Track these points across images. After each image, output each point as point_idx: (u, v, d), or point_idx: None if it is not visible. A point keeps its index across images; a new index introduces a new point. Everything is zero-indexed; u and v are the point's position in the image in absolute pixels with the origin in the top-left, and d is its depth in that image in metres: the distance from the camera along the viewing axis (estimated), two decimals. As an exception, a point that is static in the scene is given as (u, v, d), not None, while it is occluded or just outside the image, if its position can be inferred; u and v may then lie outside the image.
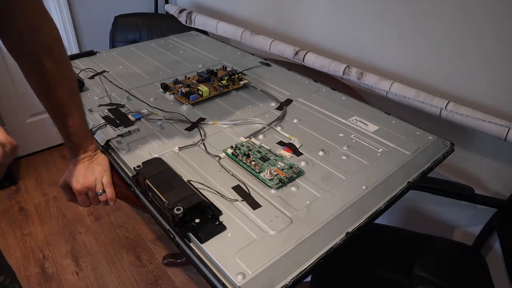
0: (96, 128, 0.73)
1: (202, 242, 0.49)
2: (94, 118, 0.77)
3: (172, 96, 0.87)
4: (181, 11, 1.49)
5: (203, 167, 0.64)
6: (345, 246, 0.53)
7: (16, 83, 1.63)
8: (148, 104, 0.84)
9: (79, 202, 0.66)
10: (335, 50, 1.16)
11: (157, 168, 0.60)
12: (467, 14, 0.83)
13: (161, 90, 0.90)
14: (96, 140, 0.71)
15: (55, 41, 0.57)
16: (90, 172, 0.64)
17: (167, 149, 0.69)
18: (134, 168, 0.61)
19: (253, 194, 0.59)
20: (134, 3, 1.81)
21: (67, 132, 0.62)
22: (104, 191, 0.64)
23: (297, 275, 0.48)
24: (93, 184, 0.63)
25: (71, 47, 1.73)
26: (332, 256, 0.51)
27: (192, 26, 1.44)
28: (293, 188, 0.60)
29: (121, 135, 0.72)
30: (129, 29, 1.50)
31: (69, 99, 0.60)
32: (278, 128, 0.76)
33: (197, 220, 0.51)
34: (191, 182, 0.59)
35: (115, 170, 0.68)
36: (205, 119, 0.79)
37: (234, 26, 1.29)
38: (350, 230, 0.55)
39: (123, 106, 0.82)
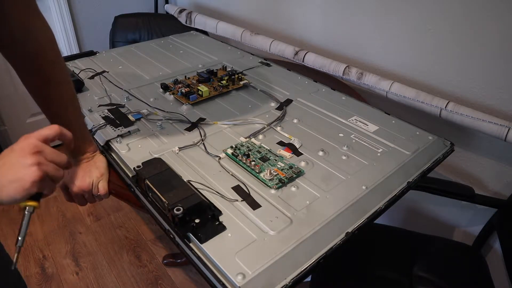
0: (96, 128, 0.73)
1: (202, 242, 0.49)
2: (94, 118, 0.76)
3: (172, 96, 0.87)
4: (181, 11, 1.49)
5: (203, 167, 0.64)
6: (345, 246, 0.53)
7: (16, 83, 1.63)
8: (148, 104, 0.83)
9: (77, 202, 0.66)
10: (335, 50, 1.16)
11: (157, 168, 0.60)
12: (467, 14, 0.83)
13: (161, 90, 0.90)
14: (96, 140, 0.72)
15: (49, 43, 0.56)
16: (87, 175, 0.64)
17: (167, 149, 0.69)
18: (134, 168, 0.61)
19: (253, 194, 0.59)
20: (134, 3, 1.81)
21: None
22: (99, 196, 0.65)
23: (297, 275, 0.48)
24: (89, 188, 0.63)
25: (71, 47, 1.73)
26: (332, 256, 0.51)
27: (192, 26, 1.44)
28: (293, 188, 0.60)
29: (121, 135, 0.71)
30: (129, 29, 1.50)
31: (65, 102, 0.60)
32: (278, 128, 0.76)
33: (197, 220, 0.51)
34: (191, 182, 0.58)
35: (115, 170, 0.68)
36: (205, 119, 0.79)
37: (234, 26, 1.29)
38: (350, 230, 0.55)
39: (123, 106, 0.82)
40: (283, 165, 0.64)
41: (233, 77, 0.93)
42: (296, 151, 0.69)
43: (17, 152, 0.44)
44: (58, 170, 0.47)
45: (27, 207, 0.46)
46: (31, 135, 0.46)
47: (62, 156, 0.49)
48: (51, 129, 0.48)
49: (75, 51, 1.75)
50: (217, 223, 0.52)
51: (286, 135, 0.74)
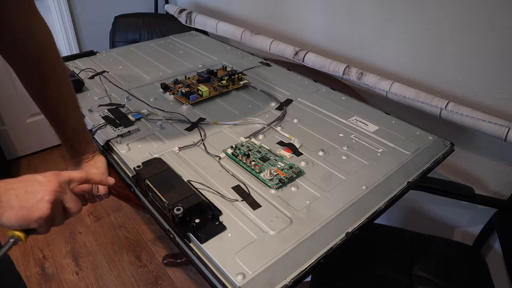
0: (96, 128, 0.73)
1: (202, 242, 0.50)
2: (94, 118, 0.76)
3: (172, 96, 0.87)
4: (181, 11, 1.49)
5: (203, 167, 0.64)
6: (345, 246, 0.53)
7: (16, 83, 1.63)
8: (148, 104, 0.84)
9: None
10: (335, 50, 1.16)
11: (157, 168, 0.60)
12: (467, 14, 0.83)
13: (161, 90, 0.90)
14: (96, 140, 0.72)
15: (49, 44, 0.56)
16: None
17: (167, 149, 0.69)
18: (134, 168, 0.61)
19: (253, 194, 0.59)
20: (134, 3, 1.81)
21: (64, 135, 0.62)
22: (99, 196, 0.65)
23: (297, 275, 0.48)
24: (89, 188, 0.63)
25: (71, 47, 1.73)
26: (332, 256, 0.51)
27: (192, 26, 1.44)
28: (293, 188, 0.60)
29: (121, 135, 0.71)
30: (129, 29, 1.50)
31: (65, 103, 0.60)
32: (278, 128, 0.76)
33: (197, 220, 0.51)
34: (191, 182, 0.59)
35: (115, 170, 0.68)
36: (205, 119, 0.79)
37: (234, 26, 1.29)
38: (350, 230, 0.55)
39: (123, 106, 0.82)
40: (283, 165, 0.64)
41: (233, 77, 0.93)
42: (296, 151, 0.69)
43: (42, 183, 0.45)
44: (63, 219, 0.49)
45: (13, 237, 0.45)
46: (61, 173, 0.48)
47: (77, 205, 0.50)
48: (81, 173, 0.52)
49: (75, 51, 1.75)
50: (217, 223, 0.52)
51: (286, 135, 0.74)
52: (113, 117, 0.77)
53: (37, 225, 0.45)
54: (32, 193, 0.44)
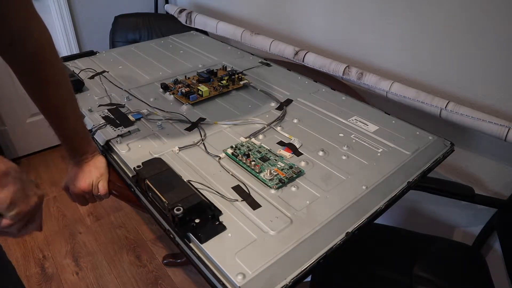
0: (96, 128, 0.73)
1: (202, 242, 0.50)
2: (94, 118, 0.77)
3: (172, 96, 0.87)
4: (181, 11, 1.49)
5: (203, 167, 0.64)
6: (345, 246, 0.53)
7: (16, 83, 1.62)
8: (148, 104, 0.84)
9: (78, 202, 0.66)
10: (335, 50, 1.16)
11: (157, 168, 0.60)
12: (467, 14, 0.83)
13: (161, 90, 0.90)
14: (96, 140, 0.72)
15: (47, 44, 0.56)
16: (87, 176, 0.64)
17: (167, 149, 0.69)
18: (134, 168, 0.61)
19: (253, 194, 0.59)
20: (134, 3, 1.81)
21: (63, 136, 0.61)
22: (99, 196, 0.65)
23: (297, 275, 0.48)
24: (89, 188, 0.63)
25: (71, 47, 1.73)
26: (332, 256, 0.51)
27: (192, 26, 1.44)
28: (293, 188, 0.60)
29: (121, 135, 0.71)
30: (129, 29, 1.50)
31: (64, 103, 0.59)
32: (278, 128, 0.76)
33: (197, 220, 0.51)
34: (191, 182, 0.59)
35: (115, 170, 0.68)
36: (205, 119, 0.79)
37: (234, 26, 1.29)
38: (350, 230, 0.55)
39: (123, 106, 0.82)
40: (283, 165, 0.64)
41: (233, 77, 0.93)
42: (296, 151, 0.69)
43: None
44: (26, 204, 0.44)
45: None
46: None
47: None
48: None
49: (75, 51, 1.75)
50: (217, 223, 0.52)
51: (286, 135, 0.74)
52: (113, 117, 0.77)
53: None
54: None
